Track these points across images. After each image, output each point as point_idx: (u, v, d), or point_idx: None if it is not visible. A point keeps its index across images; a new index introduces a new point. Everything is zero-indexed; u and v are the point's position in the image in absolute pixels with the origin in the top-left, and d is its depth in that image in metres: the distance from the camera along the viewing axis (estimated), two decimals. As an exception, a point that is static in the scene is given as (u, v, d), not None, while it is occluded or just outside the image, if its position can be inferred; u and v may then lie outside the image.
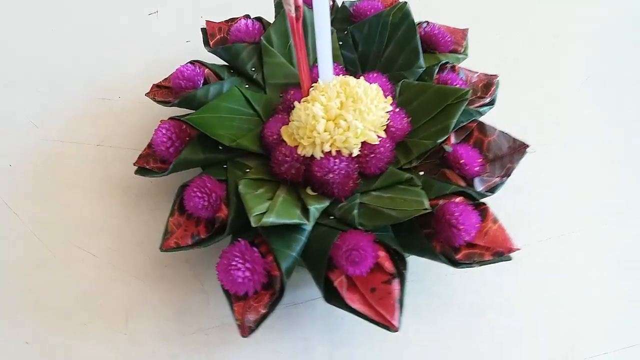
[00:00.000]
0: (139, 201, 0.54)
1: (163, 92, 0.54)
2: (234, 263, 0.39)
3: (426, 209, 0.41)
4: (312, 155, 0.44)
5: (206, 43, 0.57)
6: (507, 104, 0.54)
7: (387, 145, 0.46)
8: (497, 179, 0.47)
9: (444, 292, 0.50)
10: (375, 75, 0.49)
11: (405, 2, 0.51)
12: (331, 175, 0.43)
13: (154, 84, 0.54)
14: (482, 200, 0.45)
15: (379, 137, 0.45)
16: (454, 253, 0.42)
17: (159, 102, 0.53)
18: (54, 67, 0.67)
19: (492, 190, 0.47)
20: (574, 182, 0.57)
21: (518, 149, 0.48)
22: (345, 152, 0.44)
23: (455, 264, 0.42)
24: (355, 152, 0.44)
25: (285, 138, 0.46)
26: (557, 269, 0.51)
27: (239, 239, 0.42)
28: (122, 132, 0.60)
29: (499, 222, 0.43)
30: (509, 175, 0.47)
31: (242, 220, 0.44)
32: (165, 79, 0.54)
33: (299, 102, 0.48)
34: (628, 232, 0.53)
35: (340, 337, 0.47)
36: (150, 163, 0.49)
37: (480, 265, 0.43)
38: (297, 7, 0.38)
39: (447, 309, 0.49)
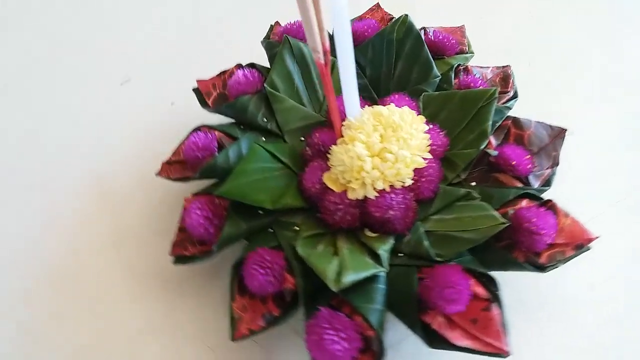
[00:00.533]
0: (183, 291, 0.50)
1: (176, 167, 0.50)
2: (327, 337, 0.36)
3: (504, 223, 0.39)
4: (365, 197, 0.42)
5: (204, 103, 0.54)
6: (524, 90, 0.53)
7: (434, 165, 0.43)
8: (549, 170, 0.46)
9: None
10: (397, 96, 0.47)
11: (407, 15, 0.49)
12: (392, 212, 0.41)
13: (163, 163, 0.51)
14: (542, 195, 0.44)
15: (424, 159, 0.43)
16: (537, 258, 0.41)
17: (175, 179, 0.49)
18: (34, 171, 0.61)
19: (547, 183, 0.45)
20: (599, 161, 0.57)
21: (558, 135, 0.46)
22: (397, 185, 0.41)
23: (542, 269, 0.40)
24: (409, 182, 0.41)
25: (330, 185, 0.43)
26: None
27: (318, 307, 0.39)
28: (135, 219, 0.56)
29: (570, 215, 0.42)
30: (557, 164, 0.46)
31: (312, 284, 0.41)
32: (174, 152, 0.51)
33: (328, 144, 0.45)
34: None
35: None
36: (188, 249, 0.45)
37: (564, 263, 0.41)
38: (325, 52, 0.35)
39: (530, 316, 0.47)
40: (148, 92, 0.67)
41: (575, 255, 0.41)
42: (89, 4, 0.79)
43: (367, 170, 0.40)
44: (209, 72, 0.57)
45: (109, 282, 0.51)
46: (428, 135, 0.43)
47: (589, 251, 0.41)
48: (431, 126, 0.45)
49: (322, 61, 0.35)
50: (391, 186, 0.41)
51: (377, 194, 0.41)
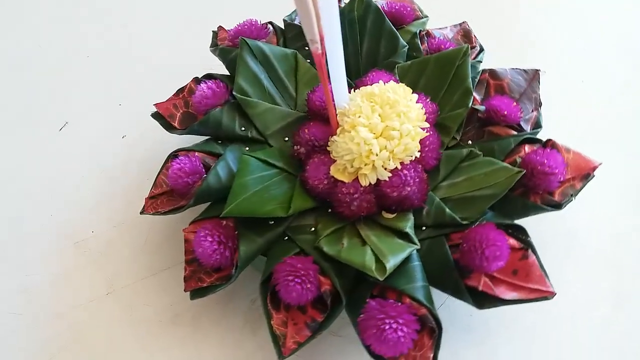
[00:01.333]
0: (199, 325, 0.47)
1: (162, 200, 0.46)
2: (386, 327, 0.35)
3: (520, 171, 0.39)
4: (377, 180, 0.41)
5: (169, 127, 0.50)
6: (487, 41, 0.54)
7: (433, 132, 0.43)
8: (534, 113, 0.47)
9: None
10: (375, 73, 0.46)
11: (362, -9, 0.48)
12: (408, 189, 0.40)
13: (146, 198, 0.47)
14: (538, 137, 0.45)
15: (423, 128, 0.42)
16: (552, 197, 0.42)
17: (166, 212, 0.45)
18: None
19: (537, 125, 0.46)
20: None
21: (534, 77, 0.48)
22: (406, 160, 0.41)
23: (559, 206, 0.41)
24: (417, 154, 0.41)
25: (339, 177, 0.41)
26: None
27: (367, 300, 0.37)
28: (122, 265, 0.51)
29: (572, 148, 0.43)
30: (541, 104, 0.47)
31: (349, 280, 0.40)
32: (155, 185, 0.47)
33: (321, 137, 0.44)
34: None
35: (479, 335, 0.45)
36: (204, 280, 0.42)
37: (576, 196, 0.42)
38: (321, 40, 0.33)
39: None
40: (92, 131, 0.62)
41: (584, 186, 0.42)
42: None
43: (376, 153, 0.39)
44: (153, 96, 0.52)
45: (116, 337, 0.47)
46: (421, 105, 0.42)
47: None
48: (417, 95, 0.45)
49: (320, 51, 0.34)
50: (400, 163, 0.41)
51: (389, 174, 0.40)
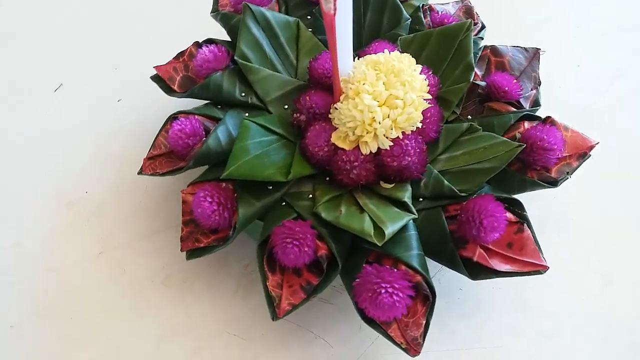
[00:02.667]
0: (191, 287, 0.47)
1: (161, 161, 0.46)
2: (382, 290, 0.36)
3: (520, 145, 0.40)
4: (378, 149, 0.41)
5: (168, 90, 0.50)
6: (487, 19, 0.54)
7: (434, 104, 0.43)
8: (534, 91, 0.47)
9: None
10: (377, 44, 0.46)
11: (367, -38, 0.48)
12: (408, 159, 0.40)
13: (145, 159, 0.46)
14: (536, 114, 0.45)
15: (425, 99, 0.42)
16: (549, 174, 0.42)
17: (164, 174, 0.45)
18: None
19: (536, 103, 0.47)
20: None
21: (534, 56, 0.48)
22: (408, 130, 0.41)
23: (555, 183, 0.42)
24: (419, 124, 0.41)
25: (340, 144, 0.41)
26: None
27: (364, 265, 0.38)
28: (115, 226, 0.51)
29: (570, 127, 0.44)
30: (540, 83, 0.48)
31: (345, 246, 0.40)
32: (153, 146, 0.47)
33: (322, 105, 0.44)
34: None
35: (470, 307, 0.46)
36: (201, 240, 0.42)
37: (572, 174, 0.43)
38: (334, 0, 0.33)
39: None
40: (88, 94, 0.61)
41: (580, 164, 0.43)
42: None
43: (379, 121, 0.39)
44: (150, 61, 0.52)
45: (107, 296, 0.47)
46: (424, 76, 0.42)
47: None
48: (421, 66, 0.45)
49: (332, 12, 0.33)
50: (402, 132, 0.41)
51: (391, 143, 0.40)
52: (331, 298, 0.46)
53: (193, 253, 0.43)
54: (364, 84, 0.40)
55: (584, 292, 0.46)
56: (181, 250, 0.42)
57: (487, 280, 0.39)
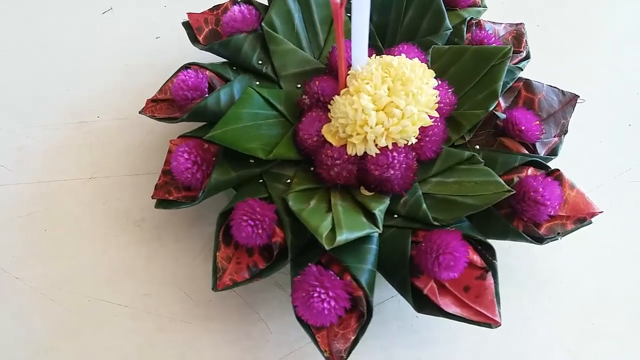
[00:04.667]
0: (160, 234, 0.48)
1: (162, 106, 0.47)
2: (315, 294, 0.35)
3: (510, 191, 0.37)
4: (364, 153, 0.39)
5: (194, 39, 0.50)
6: (534, 51, 0.50)
7: (440, 124, 0.41)
8: (556, 139, 0.44)
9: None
10: (405, 47, 0.44)
11: (422, -40, 0.45)
12: (392, 172, 0.38)
13: (148, 100, 0.47)
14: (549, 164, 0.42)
15: (430, 117, 0.40)
16: (537, 229, 0.39)
17: (161, 119, 0.45)
18: (9, 98, 0.57)
19: (554, 152, 0.43)
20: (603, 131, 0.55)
21: (570, 102, 0.44)
22: (401, 143, 0.39)
23: (541, 240, 0.39)
24: (413, 140, 0.39)
25: (329, 138, 0.40)
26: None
27: (310, 264, 0.37)
28: (113, 157, 0.52)
29: (576, 187, 0.40)
30: (566, 132, 0.44)
31: (302, 240, 0.39)
32: (160, 90, 0.47)
33: (329, 93, 0.42)
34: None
35: (421, 338, 0.44)
36: (172, 193, 0.43)
37: (563, 237, 0.40)
38: (341, -10, 0.32)
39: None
40: (131, 24, 0.63)
41: (576, 229, 0.40)
42: None
43: (371, 125, 0.38)
44: (198, 4, 0.52)
45: (83, 219, 0.49)
46: (437, 92, 0.40)
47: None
48: (439, 82, 0.42)
49: (339, 1, 0.32)
50: (394, 143, 0.39)
51: (378, 151, 0.38)
52: (286, 285, 0.46)
53: (162, 203, 0.43)
54: (367, 83, 0.38)
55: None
56: (152, 197, 0.43)
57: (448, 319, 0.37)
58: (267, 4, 0.51)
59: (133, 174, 0.51)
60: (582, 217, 0.39)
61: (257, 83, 0.47)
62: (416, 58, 0.41)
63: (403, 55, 0.40)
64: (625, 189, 0.51)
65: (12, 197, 0.50)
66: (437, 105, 0.40)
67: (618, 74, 0.58)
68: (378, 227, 0.38)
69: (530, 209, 0.38)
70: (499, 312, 0.37)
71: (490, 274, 0.37)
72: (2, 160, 0.52)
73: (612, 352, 0.43)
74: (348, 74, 0.40)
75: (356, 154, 0.39)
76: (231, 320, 0.44)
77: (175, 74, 0.47)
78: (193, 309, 0.45)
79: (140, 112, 0.47)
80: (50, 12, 0.63)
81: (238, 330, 0.44)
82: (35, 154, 0.52)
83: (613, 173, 0.51)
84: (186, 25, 0.51)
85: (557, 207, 0.38)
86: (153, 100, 0.47)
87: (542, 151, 0.43)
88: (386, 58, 0.39)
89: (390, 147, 0.39)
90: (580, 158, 0.51)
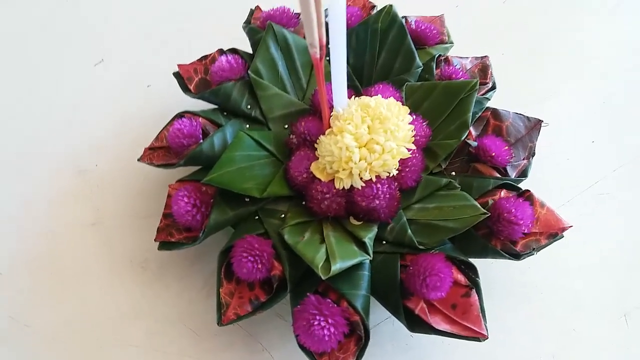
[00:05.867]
0: (163, 274, 0.51)
1: (159, 153, 0.50)
2: (315, 322, 0.37)
3: (485, 213, 0.41)
4: (351, 186, 0.43)
5: (185, 89, 0.53)
6: (499, 79, 0.54)
7: (418, 155, 0.45)
8: (525, 161, 0.47)
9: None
10: (381, 86, 0.48)
11: (391, 6, 0.50)
12: (377, 202, 0.42)
13: (146, 148, 0.50)
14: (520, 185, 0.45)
15: (408, 149, 0.44)
16: (514, 246, 0.43)
17: (159, 166, 0.48)
18: (9, 153, 0.59)
19: (523, 173, 0.47)
20: (571, 136, 0.59)
21: (534, 126, 0.48)
22: (383, 175, 0.43)
23: (518, 257, 0.42)
24: (394, 172, 0.43)
25: (318, 174, 0.43)
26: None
27: (308, 294, 0.40)
28: (113, 203, 0.55)
29: (547, 204, 0.44)
30: (533, 155, 0.48)
31: (299, 271, 0.42)
32: (156, 138, 0.50)
33: (314, 133, 0.46)
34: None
35: (415, 356, 0.46)
36: (174, 235, 0.45)
37: (538, 252, 0.43)
38: (321, 47, 0.35)
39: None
40: (122, 74, 0.66)
41: (549, 244, 0.43)
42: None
43: (355, 161, 0.41)
44: (186, 54, 0.56)
45: (88, 264, 0.51)
46: (412, 127, 0.44)
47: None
48: (414, 116, 0.46)
49: (318, 56, 0.36)
50: (377, 176, 0.42)
51: (363, 184, 0.42)
52: (286, 315, 0.48)
53: (164, 245, 0.46)
54: (349, 124, 0.42)
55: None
56: (155, 239, 0.46)
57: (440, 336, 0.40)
58: (251, 52, 0.55)
59: (134, 217, 0.54)
60: (554, 232, 0.43)
61: (247, 126, 0.50)
62: (392, 97, 0.45)
63: (379, 95, 0.44)
64: (593, 201, 0.55)
65: (18, 244, 0.52)
66: (413, 138, 0.44)
67: (579, 94, 0.63)
68: (369, 254, 0.41)
69: (505, 228, 0.41)
70: (486, 326, 0.40)
71: (474, 291, 0.40)
72: (8, 210, 0.54)
73: (593, 356, 0.47)
74: (331, 116, 0.44)
75: (344, 188, 0.43)
76: (236, 352, 0.47)
77: (170, 122, 0.50)
78: (200, 343, 0.47)
79: (138, 160, 0.50)
80: (43, 66, 0.66)
81: (243, 362, 0.46)
82: (38, 203, 0.55)
83: (581, 187, 0.55)
84: (177, 75, 0.54)
85: (530, 225, 0.42)
86: (150, 148, 0.50)
87: (512, 174, 0.46)
88: (364, 99, 0.43)
89: (374, 179, 0.42)
90: (549, 177, 0.55)
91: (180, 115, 0.50)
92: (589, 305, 0.49)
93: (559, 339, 0.47)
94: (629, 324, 0.48)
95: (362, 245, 0.42)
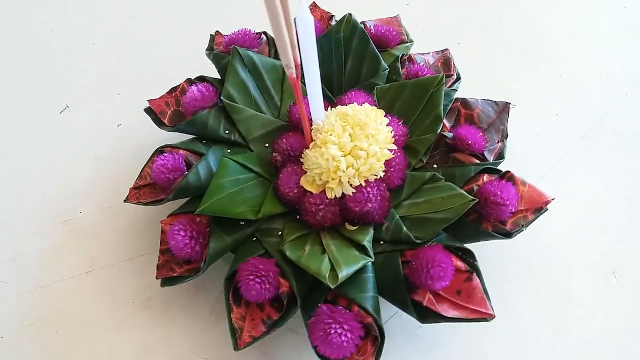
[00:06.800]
0: (168, 309, 0.51)
1: (145, 191, 0.50)
2: (332, 330, 0.38)
3: (473, 200, 0.42)
4: (342, 194, 0.44)
5: (159, 123, 0.53)
6: (463, 67, 0.56)
7: (400, 154, 0.46)
8: (500, 144, 0.50)
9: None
10: (354, 93, 0.49)
11: (350, 14, 0.51)
12: (370, 205, 0.43)
13: (131, 188, 0.50)
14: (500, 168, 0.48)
15: (390, 150, 0.45)
16: (504, 226, 0.45)
17: (147, 204, 0.49)
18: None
19: (500, 155, 0.49)
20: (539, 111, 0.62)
21: (503, 110, 0.51)
22: (371, 178, 0.44)
23: (509, 235, 0.44)
24: (381, 174, 0.44)
25: (308, 187, 0.45)
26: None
27: (319, 304, 0.41)
28: (105, 247, 0.55)
29: (527, 182, 0.46)
30: (507, 137, 0.50)
31: (306, 284, 0.43)
32: (140, 177, 0.50)
33: (297, 148, 0.47)
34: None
35: (426, 344, 0.48)
36: (175, 270, 0.46)
37: (527, 227, 0.45)
38: (296, 67, 0.36)
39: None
40: (90, 116, 0.66)
41: (536, 218, 0.45)
42: (14, 33, 0.75)
43: (343, 170, 0.42)
44: (151, 89, 0.56)
45: (91, 313, 0.51)
46: (391, 128, 0.45)
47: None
48: (390, 117, 0.48)
49: (295, 75, 0.37)
50: (365, 180, 0.44)
51: (354, 190, 0.43)
52: (297, 328, 0.49)
53: (167, 280, 0.46)
54: (331, 134, 0.43)
55: (535, 341, 0.48)
56: (156, 277, 0.46)
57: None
58: (219, 77, 0.56)
59: (128, 258, 0.54)
60: (538, 206, 0.45)
61: (229, 151, 0.51)
62: (366, 102, 0.46)
63: (355, 103, 0.45)
64: (567, 170, 0.58)
65: (16, 307, 0.51)
66: (393, 139, 0.45)
67: (536, 71, 0.66)
68: (370, 256, 0.42)
69: (494, 211, 0.43)
70: (491, 305, 0.41)
71: (475, 274, 0.42)
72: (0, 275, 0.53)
73: (591, 318, 0.49)
74: (312, 129, 0.45)
75: (335, 196, 0.44)
76: (255, 373, 0.47)
77: (151, 159, 0.50)
78: (218, 370, 0.47)
79: (125, 201, 0.50)
80: (6, 118, 0.65)
81: (264, 380, 0.47)
82: (28, 261, 0.54)
83: (553, 160, 0.58)
84: (148, 111, 0.54)
85: (516, 204, 0.44)
86: (135, 188, 0.50)
87: (490, 157, 0.48)
88: (341, 109, 0.45)
89: (363, 184, 0.43)
90: (523, 154, 0.57)
91: (160, 151, 0.50)
92: (579, 270, 0.52)
93: (557, 306, 0.50)
94: (618, 280, 0.51)
95: (362, 249, 0.43)
